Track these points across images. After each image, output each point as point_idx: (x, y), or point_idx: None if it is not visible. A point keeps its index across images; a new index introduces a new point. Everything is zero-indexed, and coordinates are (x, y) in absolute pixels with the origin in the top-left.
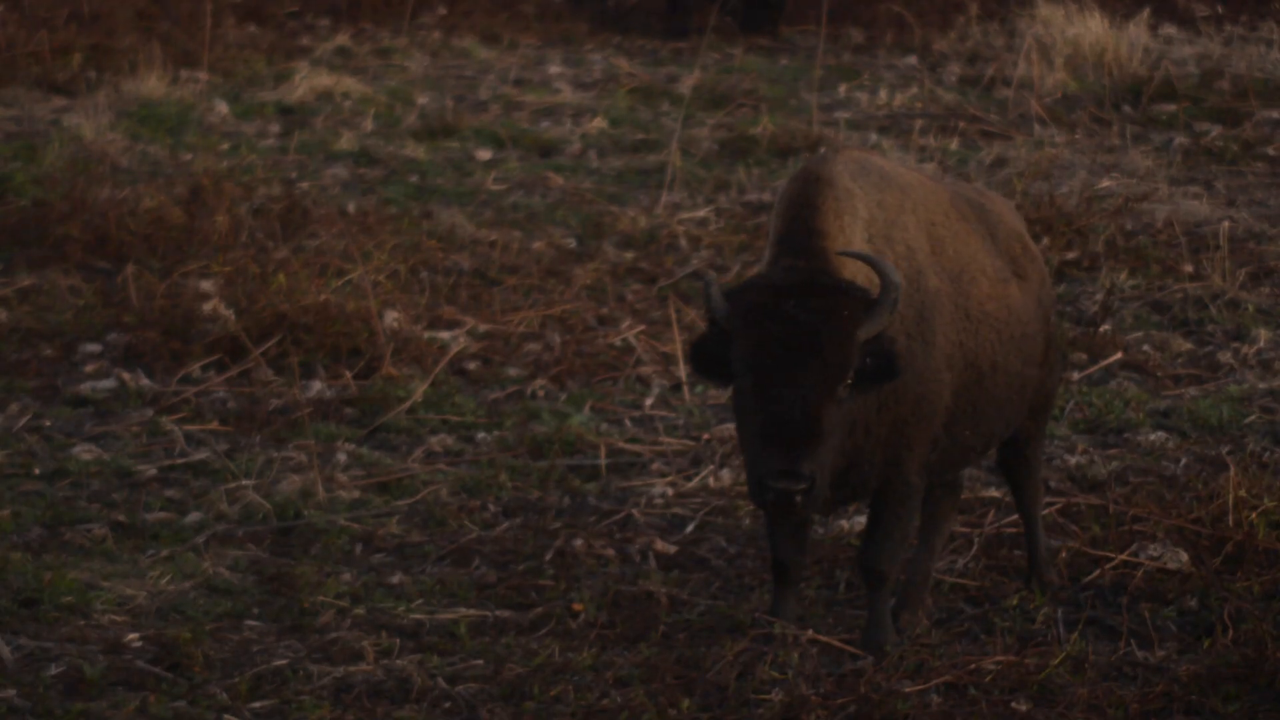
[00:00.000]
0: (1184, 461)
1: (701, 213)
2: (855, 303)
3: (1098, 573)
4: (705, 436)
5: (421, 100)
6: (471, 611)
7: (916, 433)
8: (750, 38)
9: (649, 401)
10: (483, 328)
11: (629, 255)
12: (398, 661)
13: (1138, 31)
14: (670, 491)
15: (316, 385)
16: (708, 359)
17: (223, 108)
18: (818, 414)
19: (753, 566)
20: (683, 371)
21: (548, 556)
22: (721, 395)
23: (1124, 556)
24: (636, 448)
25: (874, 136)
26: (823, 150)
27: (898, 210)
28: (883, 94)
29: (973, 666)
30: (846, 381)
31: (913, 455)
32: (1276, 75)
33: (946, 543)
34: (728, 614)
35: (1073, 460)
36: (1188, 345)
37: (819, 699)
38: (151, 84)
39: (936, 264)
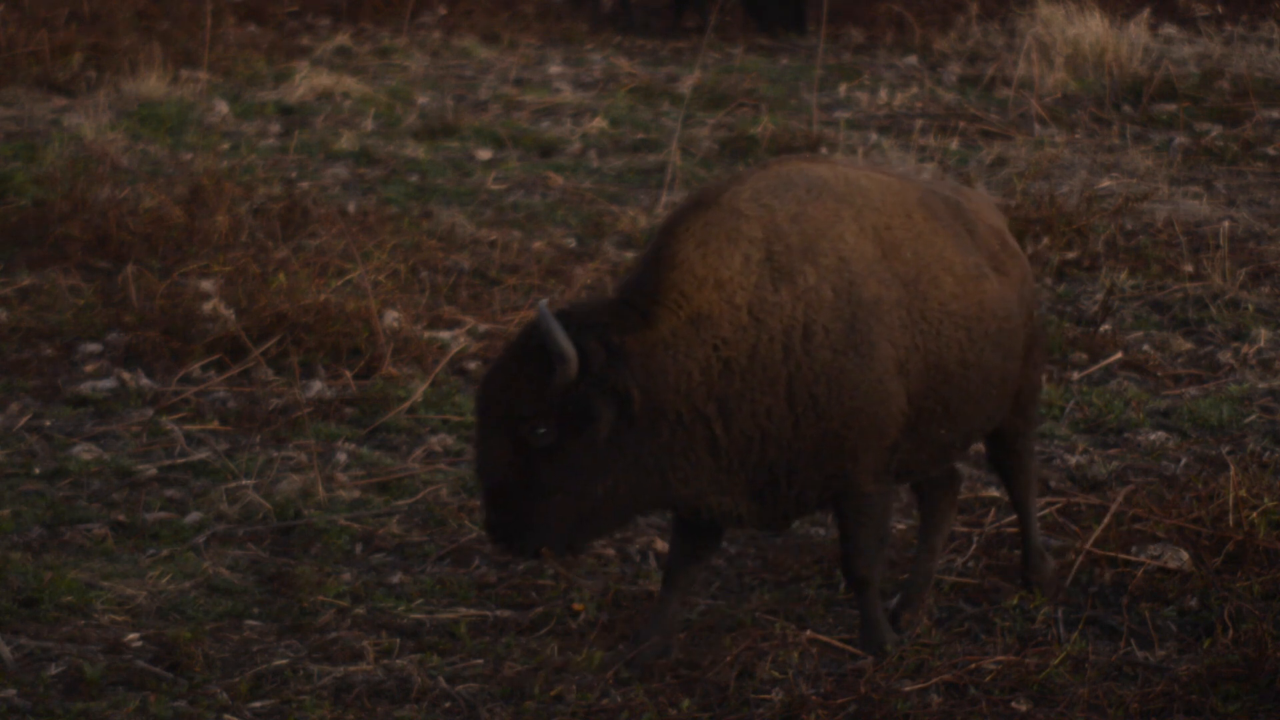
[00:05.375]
0: (1184, 461)
1: None
2: (539, 352)
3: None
4: None
5: (421, 100)
6: (471, 611)
7: (860, 445)
8: (767, 35)
9: None
10: (483, 328)
11: (629, 255)
12: (398, 661)
13: (1138, 31)
14: None
15: (316, 385)
16: None
17: (223, 108)
18: (499, 469)
19: (753, 566)
20: None
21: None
22: None
23: (1095, 548)
24: None
25: (874, 136)
26: (748, 166)
27: (828, 223)
28: (883, 94)
29: (973, 666)
30: (537, 431)
31: (860, 466)
32: (1276, 75)
33: (947, 542)
34: (728, 614)
35: (1073, 460)
36: (1188, 345)
37: (819, 699)
38: (151, 84)
39: (886, 270)
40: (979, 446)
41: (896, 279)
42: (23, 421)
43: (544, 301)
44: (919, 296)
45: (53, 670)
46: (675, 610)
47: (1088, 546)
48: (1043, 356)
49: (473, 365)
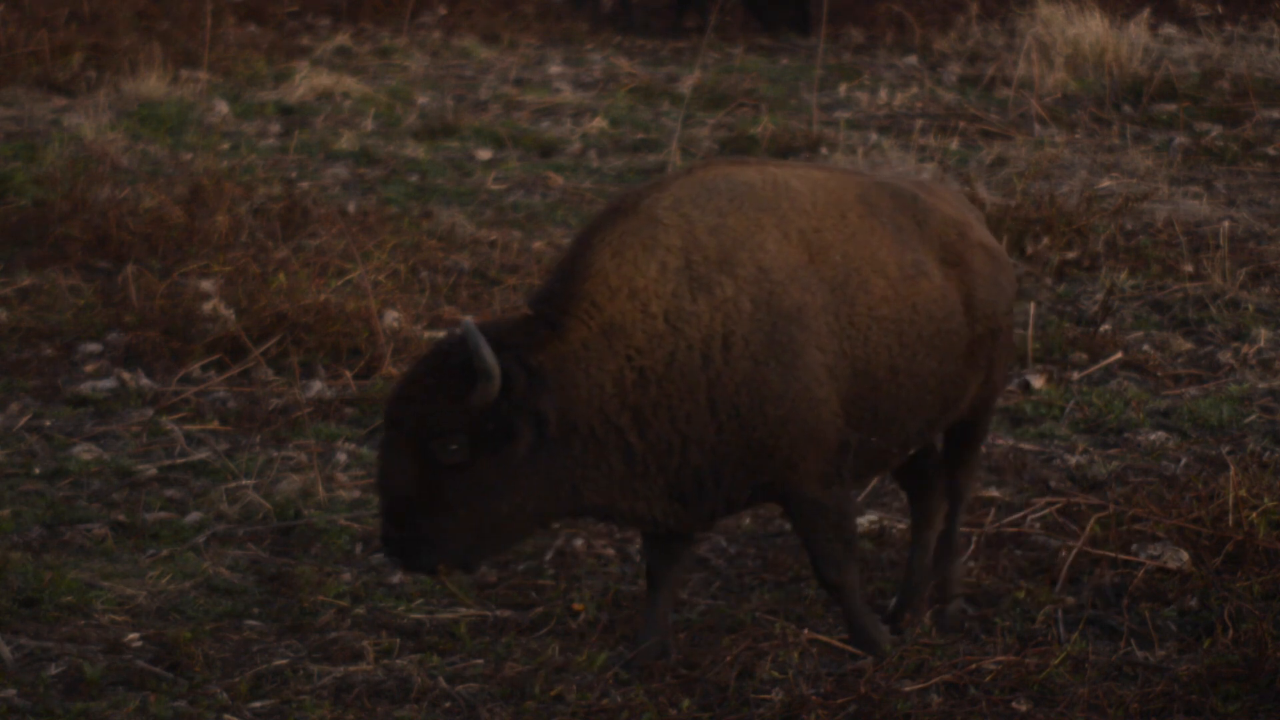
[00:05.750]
0: (1184, 461)
1: None
2: (459, 368)
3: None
4: None
5: (421, 100)
6: (471, 611)
7: (795, 453)
8: (769, 35)
9: None
10: None
11: None
12: (398, 661)
13: (1138, 31)
14: None
15: (316, 385)
16: None
17: (223, 108)
18: (403, 483)
19: (753, 566)
20: None
21: (548, 556)
22: None
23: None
24: None
25: (874, 136)
26: (670, 170)
27: (749, 233)
28: (883, 94)
29: (973, 666)
30: (450, 447)
31: (800, 473)
32: (1276, 75)
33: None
34: (728, 614)
35: (1073, 460)
36: (1188, 345)
37: (819, 699)
38: (151, 84)
39: (813, 275)
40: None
41: (824, 284)
42: (23, 421)
43: (470, 318)
44: (846, 301)
45: (53, 670)
46: (665, 610)
47: (1081, 545)
48: (1002, 360)
49: None
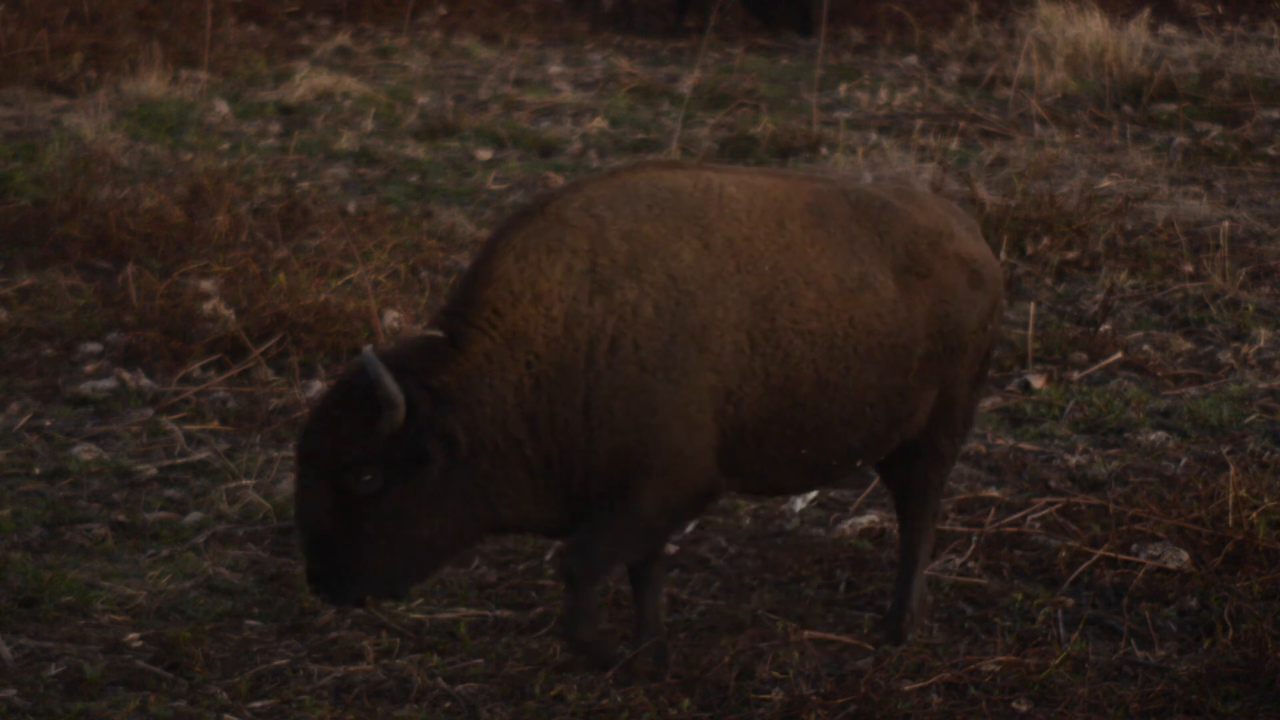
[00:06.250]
0: (1184, 461)
1: None
2: (363, 399)
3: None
4: None
5: (421, 100)
6: (471, 611)
7: (655, 463)
8: (770, 35)
9: None
10: None
11: None
12: (398, 661)
13: (1138, 31)
14: None
15: (316, 385)
16: None
17: (223, 108)
18: (321, 517)
19: (753, 566)
20: None
21: (548, 556)
22: None
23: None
24: None
25: (874, 136)
26: (586, 175)
27: (664, 239)
28: (883, 94)
29: (973, 666)
30: (362, 478)
31: (649, 481)
32: (1276, 75)
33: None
34: (728, 614)
35: (1073, 460)
36: (1188, 345)
37: (819, 699)
38: (151, 84)
39: (733, 288)
40: (979, 447)
41: (744, 297)
42: (23, 421)
43: (369, 347)
44: (767, 316)
45: (53, 670)
46: (654, 609)
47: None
48: (971, 373)
49: None
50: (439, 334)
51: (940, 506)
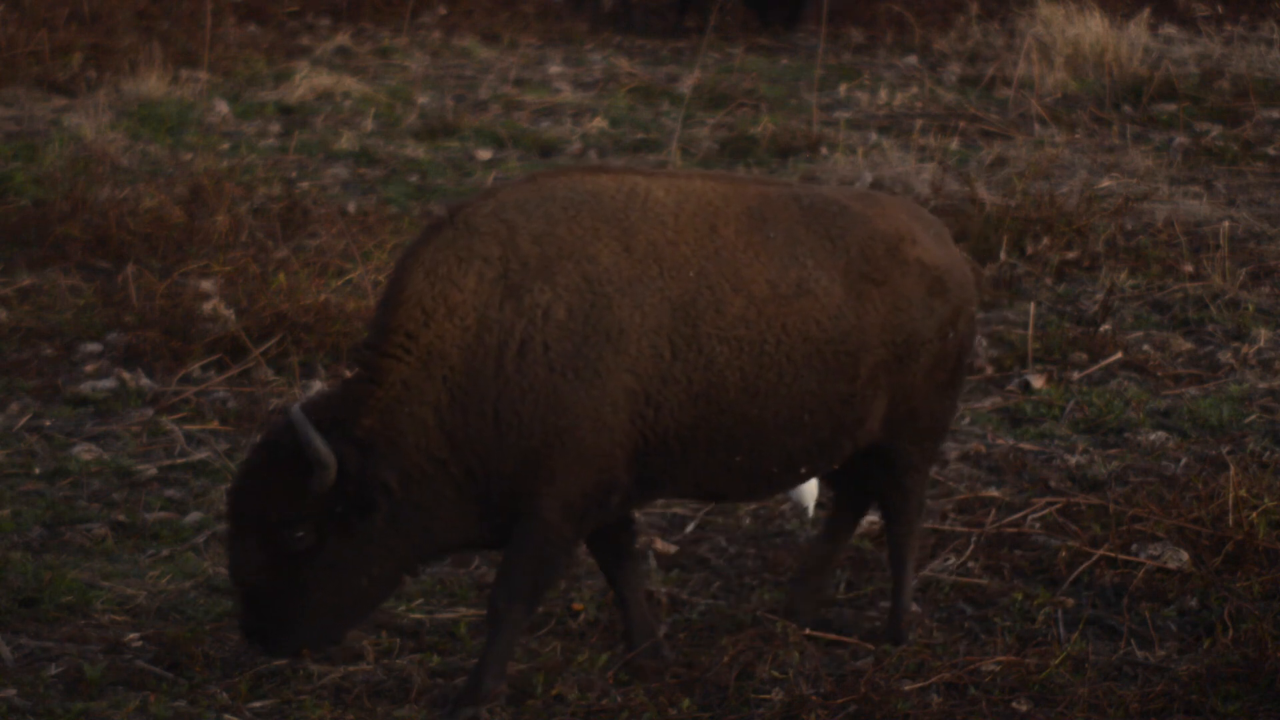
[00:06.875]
0: (1184, 461)
1: None
2: (291, 457)
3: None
4: None
5: (421, 100)
6: (471, 611)
7: (559, 468)
8: (767, 32)
9: None
10: None
11: None
12: (398, 661)
13: (1138, 31)
14: None
15: (316, 385)
16: None
17: (223, 108)
18: (255, 574)
19: (753, 566)
20: None
21: None
22: None
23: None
24: None
25: (874, 136)
26: (500, 181)
27: (579, 243)
28: (883, 94)
29: (973, 666)
30: (295, 535)
31: (552, 490)
32: (1276, 75)
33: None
34: (728, 614)
35: (1073, 460)
36: (1188, 345)
37: (819, 699)
38: (151, 84)
39: (653, 293)
40: (979, 447)
41: (665, 302)
42: (23, 421)
43: (296, 405)
44: (689, 322)
45: (53, 670)
46: (640, 609)
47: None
48: (947, 375)
49: None
50: (358, 372)
51: (924, 508)
